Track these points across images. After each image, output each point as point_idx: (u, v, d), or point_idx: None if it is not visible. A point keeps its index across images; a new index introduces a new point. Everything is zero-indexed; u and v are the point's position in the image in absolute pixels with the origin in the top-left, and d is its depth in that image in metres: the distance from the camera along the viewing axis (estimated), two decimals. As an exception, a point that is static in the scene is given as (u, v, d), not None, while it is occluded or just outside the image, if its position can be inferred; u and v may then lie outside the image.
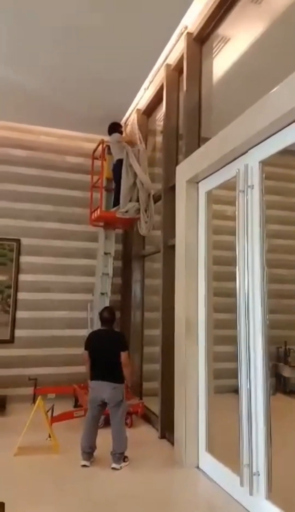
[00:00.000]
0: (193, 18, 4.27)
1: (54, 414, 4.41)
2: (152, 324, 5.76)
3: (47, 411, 4.25)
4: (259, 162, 3.10)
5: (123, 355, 3.85)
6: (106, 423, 4.16)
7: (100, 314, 4.13)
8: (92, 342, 3.99)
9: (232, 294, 3.31)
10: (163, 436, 4.52)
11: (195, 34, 4.41)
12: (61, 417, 4.60)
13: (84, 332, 5.25)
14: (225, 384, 4.25)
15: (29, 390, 5.74)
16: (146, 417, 5.17)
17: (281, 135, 2.83)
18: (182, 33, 4.47)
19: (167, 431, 4.44)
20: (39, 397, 4.28)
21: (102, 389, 3.77)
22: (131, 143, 5.70)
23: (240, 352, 3.12)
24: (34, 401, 4.93)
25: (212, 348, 3.88)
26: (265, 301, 2.98)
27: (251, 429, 2.92)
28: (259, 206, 3.07)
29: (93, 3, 3.86)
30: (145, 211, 5.41)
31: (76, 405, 5.54)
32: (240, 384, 3.08)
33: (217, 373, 3.92)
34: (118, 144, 5.64)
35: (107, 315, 4.07)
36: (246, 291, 3.09)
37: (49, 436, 4.13)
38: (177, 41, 4.59)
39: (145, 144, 5.82)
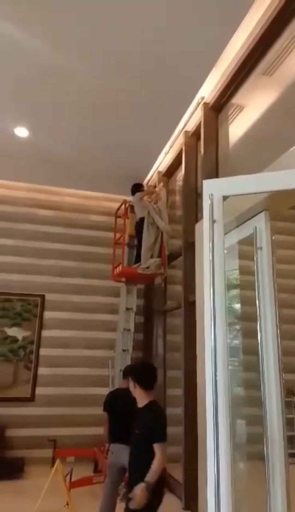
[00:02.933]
0: (209, 90, 4.61)
1: (73, 479, 4.24)
2: (175, 383, 5.60)
3: (66, 475, 4.10)
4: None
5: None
6: (127, 491, 3.94)
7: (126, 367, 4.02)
8: (111, 403, 3.88)
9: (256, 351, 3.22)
10: (187, 507, 4.23)
11: (211, 103, 4.73)
12: (80, 483, 4.40)
13: (106, 391, 5.14)
14: (250, 450, 4.01)
15: (48, 452, 5.56)
16: (170, 485, 4.86)
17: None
18: (199, 103, 4.82)
19: (191, 500, 4.16)
20: (57, 461, 4.14)
21: (121, 453, 3.59)
22: (151, 194, 6.00)
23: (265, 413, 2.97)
24: (53, 463, 4.76)
25: (235, 411, 3.71)
26: (280, 359, 2.89)
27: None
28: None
29: (118, 76, 4.25)
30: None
31: (96, 469, 5.30)
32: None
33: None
34: (141, 202, 5.90)
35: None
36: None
37: (67, 504, 3.94)
38: (195, 110, 4.93)
39: (167, 201, 6.04)
